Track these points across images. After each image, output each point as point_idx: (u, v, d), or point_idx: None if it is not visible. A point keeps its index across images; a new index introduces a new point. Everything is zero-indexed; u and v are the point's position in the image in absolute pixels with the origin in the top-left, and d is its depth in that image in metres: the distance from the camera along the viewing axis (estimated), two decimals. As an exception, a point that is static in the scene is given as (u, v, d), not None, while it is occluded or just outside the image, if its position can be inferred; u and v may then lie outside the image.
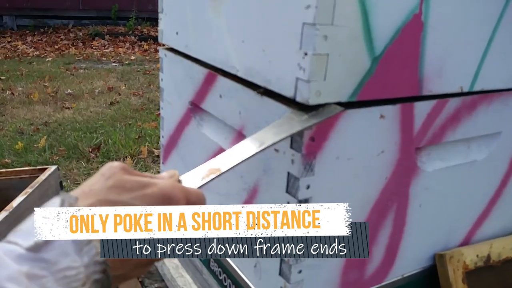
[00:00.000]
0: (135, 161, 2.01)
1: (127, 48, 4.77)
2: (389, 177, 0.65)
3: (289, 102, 0.56)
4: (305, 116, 0.54)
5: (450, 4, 0.60)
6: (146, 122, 2.59)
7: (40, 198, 1.05)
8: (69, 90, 3.14)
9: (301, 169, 0.56)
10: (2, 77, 3.44)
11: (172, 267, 0.99)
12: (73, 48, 4.68)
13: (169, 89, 0.92)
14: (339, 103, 0.55)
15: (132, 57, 4.43)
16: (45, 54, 4.39)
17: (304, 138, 0.55)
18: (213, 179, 0.46)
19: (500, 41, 0.68)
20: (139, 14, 5.48)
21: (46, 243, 0.33)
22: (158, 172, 1.78)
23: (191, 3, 0.77)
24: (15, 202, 0.95)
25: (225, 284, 0.78)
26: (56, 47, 4.65)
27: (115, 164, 0.40)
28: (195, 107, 0.83)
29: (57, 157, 2.05)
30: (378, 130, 0.61)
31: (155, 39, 5.04)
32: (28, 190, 1.01)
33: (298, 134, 0.54)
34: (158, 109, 2.64)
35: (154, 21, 5.57)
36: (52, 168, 1.21)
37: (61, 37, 5.03)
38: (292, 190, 0.58)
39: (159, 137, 1.71)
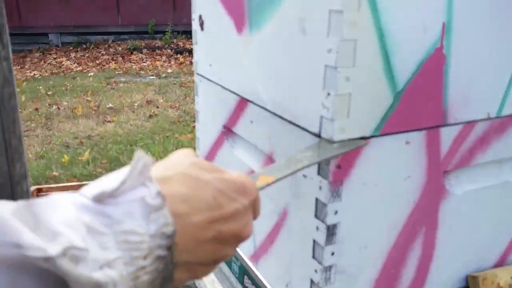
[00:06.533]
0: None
1: (163, 61, 4.93)
2: (416, 201, 0.66)
3: (316, 132, 0.59)
4: (334, 144, 0.56)
5: (472, 34, 0.61)
6: (182, 134, 2.68)
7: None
8: (110, 104, 3.28)
9: (328, 195, 0.58)
10: (49, 93, 3.64)
11: (208, 282, 1.03)
12: (113, 62, 4.88)
13: (204, 112, 0.97)
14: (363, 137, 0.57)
15: (169, 70, 4.57)
16: (88, 69, 4.60)
17: (331, 166, 0.57)
18: (268, 185, 0.46)
19: (529, 64, 0.67)
20: (175, 28, 5.64)
21: (112, 195, 0.29)
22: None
23: (222, 38, 0.81)
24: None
25: (258, 300, 0.81)
26: (97, 62, 4.87)
27: (187, 149, 0.39)
28: (227, 131, 0.87)
29: (100, 170, 2.16)
30: (404, 156, 0.62)
31: (190, 51, 5.18)
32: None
33: (326, 161, 0.57)
34: (194, 121, 2.72)
35: (189, 34, 5.73)
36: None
37: (102, 52, 5.26)
38: (321, 215, 0.60)
39: (195, 149, 1.76)
